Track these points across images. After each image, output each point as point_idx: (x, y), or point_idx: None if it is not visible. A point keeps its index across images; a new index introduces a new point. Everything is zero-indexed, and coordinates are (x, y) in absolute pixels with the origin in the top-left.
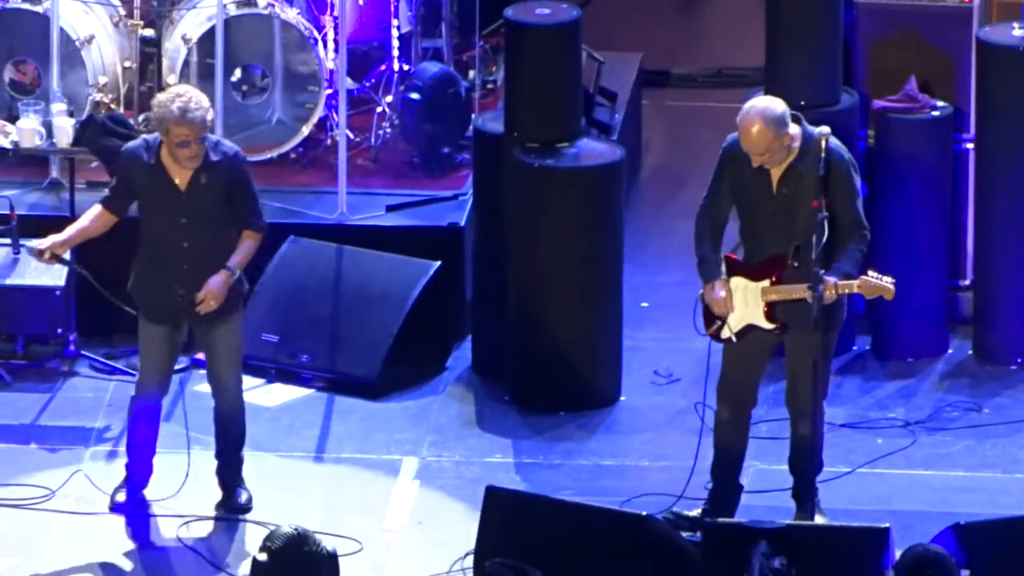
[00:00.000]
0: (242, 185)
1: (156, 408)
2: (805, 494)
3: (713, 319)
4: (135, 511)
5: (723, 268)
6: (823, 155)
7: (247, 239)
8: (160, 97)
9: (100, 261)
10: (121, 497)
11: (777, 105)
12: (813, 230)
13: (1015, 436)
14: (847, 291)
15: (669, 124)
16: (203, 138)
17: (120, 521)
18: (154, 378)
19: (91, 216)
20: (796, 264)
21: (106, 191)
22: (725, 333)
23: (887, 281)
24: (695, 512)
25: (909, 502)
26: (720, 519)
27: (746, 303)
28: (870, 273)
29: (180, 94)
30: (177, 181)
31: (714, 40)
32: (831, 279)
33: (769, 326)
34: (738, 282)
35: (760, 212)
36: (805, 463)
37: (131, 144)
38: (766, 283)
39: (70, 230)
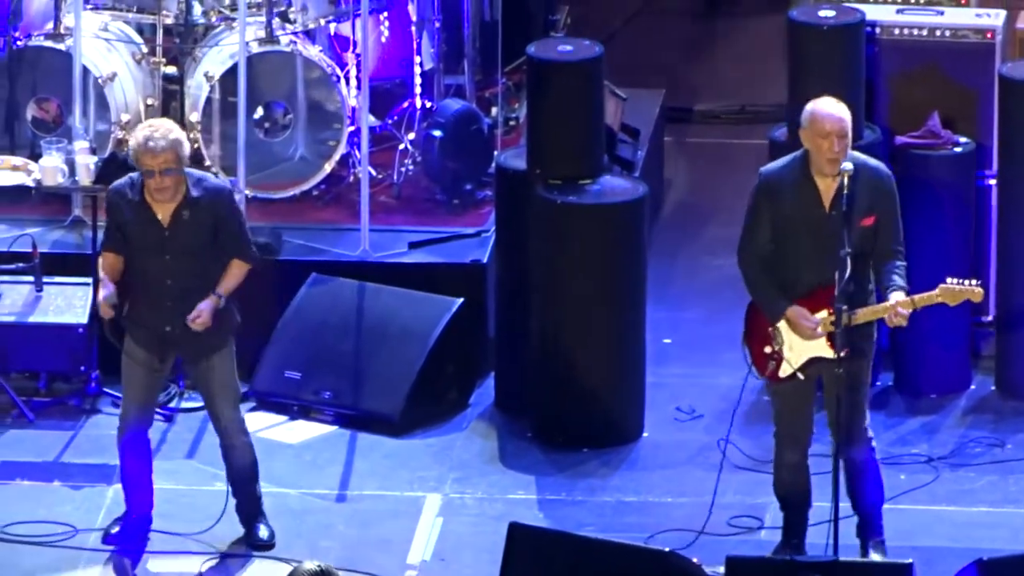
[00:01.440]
0: (228, 221)
1: (144, 440)
2: (872, 531)
3: (766, 361)
4: (127, 544)
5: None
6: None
7: (235, 267)
8: (135, 131)
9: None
10: (115, 529)
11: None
12: (859, 249)
13: None
14: (928, 303)
15: (691, 160)
16: (168, 170)
17: (140, 556)
18: (137, 411)
19: (107, 265)
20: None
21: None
22: (785, 371)
23: (970, 283)
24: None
25: (932, 538)
26: (743, 556)
27: (803, 337)
28: (949, 280)
29: (149, 125)
30: (160, 217)
31: (736, 77)
32: (903, 297)
33: (840, 354)
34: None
35: (805, 233)
36: (867, 489)
37: (118, 182)
38: (823, 313)
39: (108, 283)
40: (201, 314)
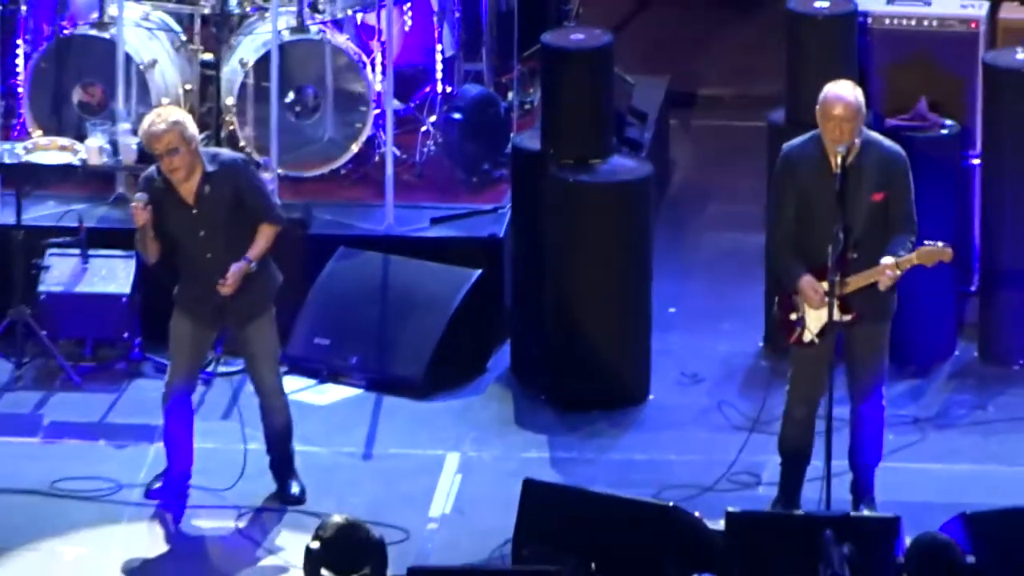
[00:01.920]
0: (248, 188)
1: (187, 404)
2: (864, 490)
3: (792, 327)
4: (171, 499)
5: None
6: (880, 154)
7: (263, 230)
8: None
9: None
10: (156, 485)
11: (859, 90)
12: (871, 223)
13: (1018, 432)
14: (908, 265)
15: (695, 142)
16: (173, 151)
17: (182, 510)
18: (183, 376)
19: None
20: (856, 256)
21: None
22: (807, 336)
23: (940, 245)
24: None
25: (919, 494)
26: (743, 510)
27: (811, 306)
28: (926, 242)
29: (154, 112)
30: (185, 196)
31: (737, 64)
32: (891, 259)
33: (846, 317)
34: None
35: (821, 205)
36: (866, 447)
37: (146, 172)
38: (835, 279)
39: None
40: (229, 278)
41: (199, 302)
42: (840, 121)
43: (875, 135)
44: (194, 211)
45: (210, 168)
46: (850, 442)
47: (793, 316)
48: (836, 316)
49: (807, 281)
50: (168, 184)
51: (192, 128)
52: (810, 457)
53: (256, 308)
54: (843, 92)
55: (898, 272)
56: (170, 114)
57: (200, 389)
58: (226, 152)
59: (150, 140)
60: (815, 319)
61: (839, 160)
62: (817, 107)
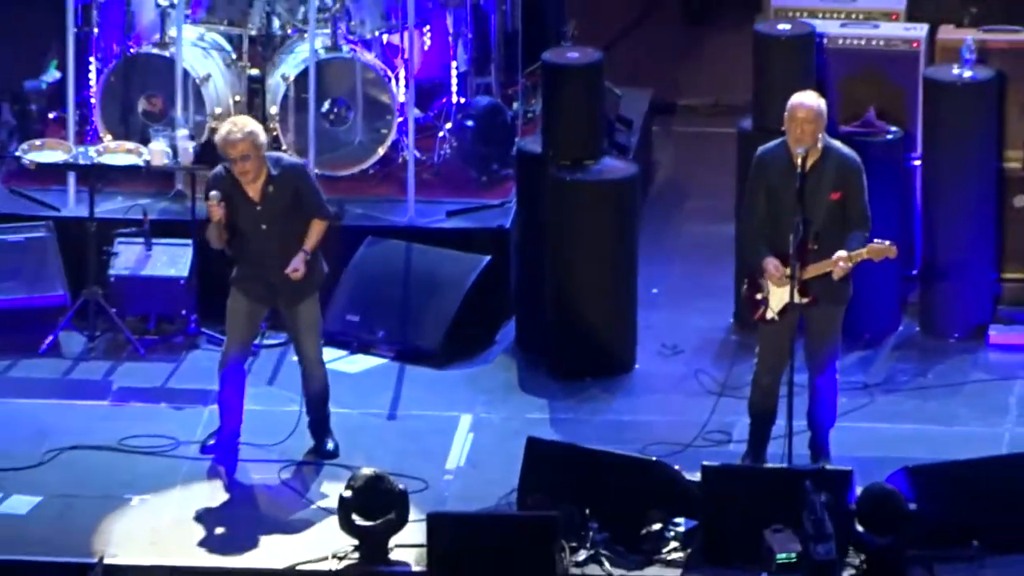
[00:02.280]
0: (305, 189)
1: (241, 371)
2: (821, 447)
3: (757, 305)
4: (223, 454)
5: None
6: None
7: (315, 225)
8: (219, 130)
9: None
10: (210, 442)
11: (822, 99)
12: (830, 219)
13: (954, 396)
14: (859, 259)
15: (675, 146)
16: (246, 157)
17: (232, 464)
18: (237, 345)
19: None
20: (816, 247)
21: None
22: (769, 314)
23: (887, 244)
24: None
25: (868, 450)
26: (716, 464)
27: (774, 283)
28: (875, 241)
29: (231, 121)
30: (252, 195)
31: (712, 77)
32: (844, 253)
33: (804, 300)
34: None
35: (786, 201)
36: (821, 411)
37: (214, 170)
38: (796, 265)
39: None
40: (297, 267)
41: (255, 283)
42: (802, 123)
43: (835, 142)
44: (258, 207)
45: (274, 172)
46: (808, 407)
47: (759, 296)
48: (796, 299)
49: (770, 261)
50: (235, 182)
51: (263, 137)
52: (775, 418)
53: (304, 291)
54: (806, 99)
55: (850, 264)
56: (245, 124)
57: (248, 359)
58: (287, 157)
59: (226, 146)
60: (777, 299)
61: (800, 160)
62: (785, 113)
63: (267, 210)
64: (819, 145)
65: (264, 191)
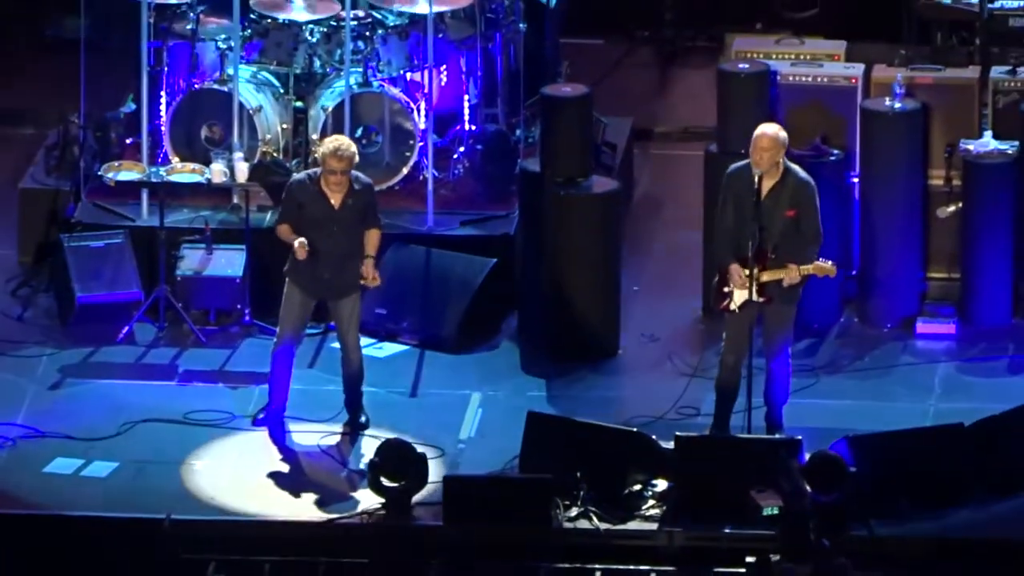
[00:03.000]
0: (372, 204)
1: (291, 354)
2: (775, 420)
3: (724, 297)
4: (272, 427)
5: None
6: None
7: (373, 234)
8: (326, 142)
9: (269, 255)
10: (260, 416)
11: (783, 131)
12: (786, 232)
13: (887, 377)
14: (807, 273)
15: (652, 167)
16: (345, 171)
17: (280, 435)
18: (290, 332)
19: (286, 230)
20: (774, 256)
21: (277, 215)
22: (732, 306)
23: (829, 264)
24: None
25: (815, 422)
26: (685, 434)
27: (736, 286)
28: (819, 260)
29: (336, 139)
30: (332, 201)
31: (683, 108)
32: (795, 266)
33: (761, 299)
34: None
35: (749, 215)
36: (775, 389)
37: (297, 176)
38: (756, 270)
39: (297, 238)
40: (374, 275)
41: (310, 279)
42: (762, 151)
43: (794, 166)
44: (336, 212)
45: (356, 186)
46: (764, 387)
47: (726, 290)
48: (754, 297)
49: (734, 267)
50: (319, 189)
51: (357, 157)
52: (737, 394)
53: (351, 287)
54: (768, 130)
55: (798, 277)
56: (351, 145)
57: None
58: (364, 176)
59: (332, 159)
60: (739, 295)
61: (757, 180)
62: (752, 140)
63: (343, 216)
64: (779, 168)
65: (344, 201)
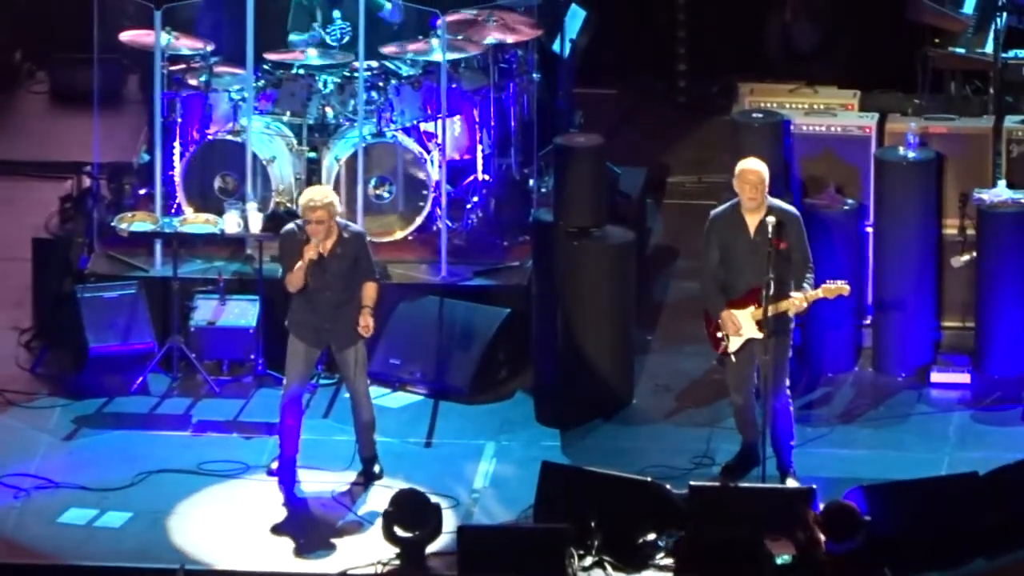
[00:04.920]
0: (364, 253)
1: (299, 404)
2: (786, 465)
3: (719, 342)
4: (284, 476)
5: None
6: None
7: (370, 287)
8: (303, 195)
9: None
10: (274, 466)
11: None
12: (779, 265)
13: (901, 426)
14: (815, 298)
15: (665, 216)
16: (320, 221)
17: (292, 484)
18: (296, 382)
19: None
20: (771, 290)
21: (282, 274)
22: (730, 350)
23: (841, 283)
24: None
25: (829, 471)
26: (700, 484)
27: (730, 333)
28: (828, 281)
29: (310, 189)
30: (321, 250)
31: (696, 158)
32: (800, 294)
33: (761, 335)
34: (734, 314)
35: (740, 253)
36: (780, 432)
37: (287, 228)
38: (752, 308)
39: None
40: (367, 325)
41: (309, 329)
42: (753, 185)
43: (775, 200)
44: (326, 260)
45: (344, 235)
46: (770, 431)
47: (719, 335)
48: (755, 334)
49: (726, 314)
50: (306, 237)
51: (338, 206)
52: (758, 427)
53: (352, 336)
54: (752, 164)
55: (806, 304)
56: (325, 196)
57: (306, 396)
58: (354, 225)
59: (306, 210)
60: (735, 340)
61: (758, 218)
62: (736, 179)
63: (332, 264)
64: (765, 205)
65: (333, 249)
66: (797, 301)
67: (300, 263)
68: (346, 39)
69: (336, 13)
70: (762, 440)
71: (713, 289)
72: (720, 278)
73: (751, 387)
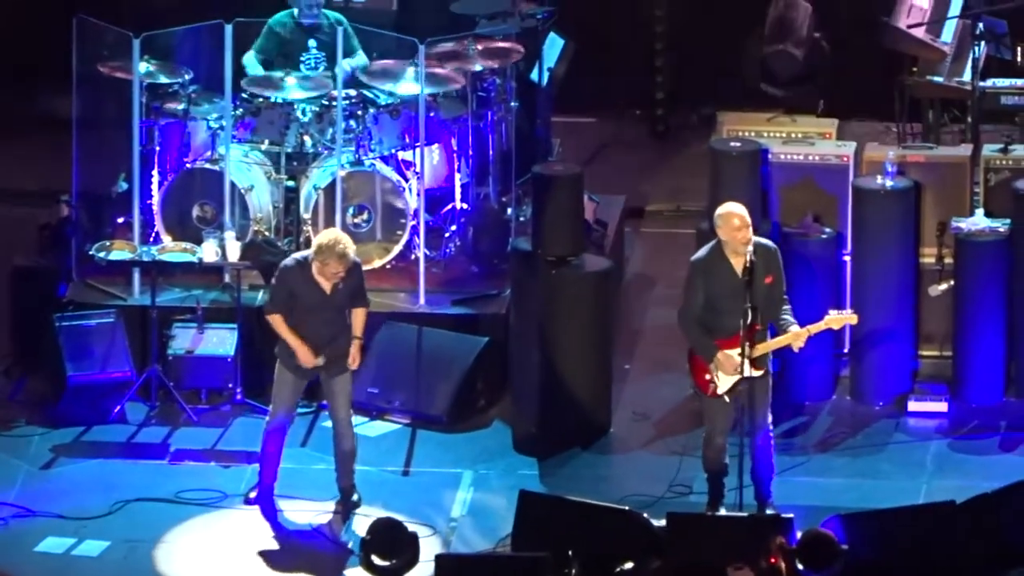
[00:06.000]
0: (359, 285)
1: (284, 432)
2: (765, 496)
3: (708, 383)
4: (263, 505)
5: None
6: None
7: (361, 314)
8: (324, 240)
9: (260, 334)
10: (253, 495)
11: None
12: (766, 300)
13: (879, 454)
14: (820, 330)
15: (643, 244)
16: (338, 272)
17: (272, 513)
18: (283, 411)
19: (282, 322)
20: (760, 327)
21: (268, 302)
22: (720, 391)
23: (848, 312)
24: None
25: (806, 499)
26: (678, 512)
27: (726, 373)
28: (831, 311)
29: (339, 241)
30: (324, 287)
31: (674, 186)
32: (799, 329)
33: (758, 373)
34: (730, 355)
35: (727, 294)
36: (761, 466)
37: (288, 262)
38: (746, 346)
39: (297, 341)
40: (356, 357)
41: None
42: (741, 229)
43: (754, 236)
44: (328, 297)
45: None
46: (752, 466)
47: (708, 376)
48: (747, 373)
49: (723, 356)
50: (311, 276)
51: (352, 250)
52: (727, 471)
53: (341, 366)
54: (734, 208)
55: (804, 338)
56: (352, 249)
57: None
58: (351, 254)
59: (334, 258)
60: (725, 380)
61: (748, 258)
62: (719, 227)
63: (334, 300)
64: (752, 244)
65: (335, 286)
66: (802, 335)
67: (299, 343)
68: (321, 68)
69: (312, 43)
70: (739, 471)
71: (699, 332)
72: (699, 315)
73: (729, 428)
